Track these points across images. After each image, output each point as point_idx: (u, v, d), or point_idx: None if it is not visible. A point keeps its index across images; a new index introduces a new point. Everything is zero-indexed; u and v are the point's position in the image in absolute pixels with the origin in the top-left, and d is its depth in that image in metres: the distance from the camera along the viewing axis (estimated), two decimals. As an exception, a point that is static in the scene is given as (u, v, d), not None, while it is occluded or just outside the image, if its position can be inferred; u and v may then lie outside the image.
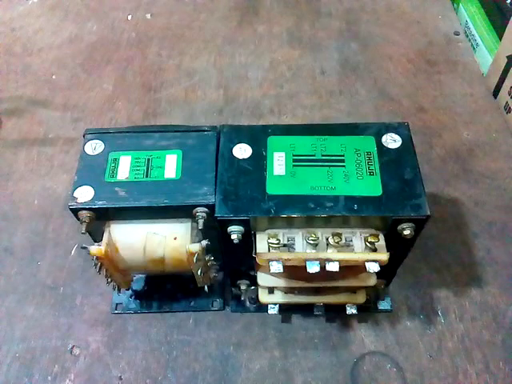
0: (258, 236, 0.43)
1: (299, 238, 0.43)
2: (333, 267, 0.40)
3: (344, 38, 0.85)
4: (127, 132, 0.48)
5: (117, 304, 0.55)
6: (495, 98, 0.76)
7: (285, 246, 0.43)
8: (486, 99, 0.76)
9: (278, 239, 0.42)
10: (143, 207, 0.43)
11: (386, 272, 0.43)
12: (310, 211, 0.42)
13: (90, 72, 0.80)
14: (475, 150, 0.69)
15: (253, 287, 0.53)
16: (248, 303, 0.56)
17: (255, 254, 0.42)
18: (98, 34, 0.87)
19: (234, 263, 0.50)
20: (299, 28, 0.87)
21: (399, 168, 0.44)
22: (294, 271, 0.42)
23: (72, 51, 0.84)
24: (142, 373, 0.51)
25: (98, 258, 0.43)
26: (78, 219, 0.43)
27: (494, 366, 0.51)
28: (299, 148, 0.46)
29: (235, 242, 0.42)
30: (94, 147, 0.46)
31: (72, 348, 0.53)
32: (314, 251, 0.42)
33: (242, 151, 0.46)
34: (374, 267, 0.41)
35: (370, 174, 0.44)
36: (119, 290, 0.50)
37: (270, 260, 0.41)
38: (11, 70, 0.81)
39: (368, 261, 0.41)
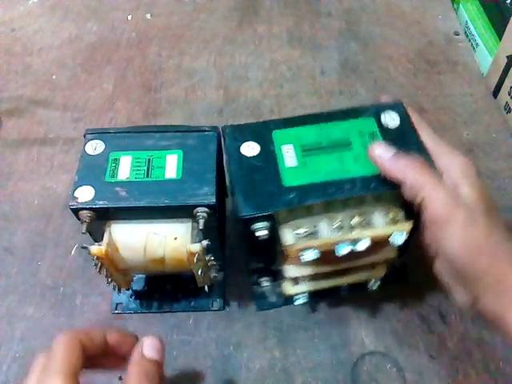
0: (281, 229, 0.44)
1: (323, 224, 0.44)
2: (363, 246, 0.42)
3: (344, 38, 0.85)
4: (128, 132, 0.48)
5: (117, 304, 0.55)
6: (495, 97, 0.76)
7: (311, 234, 0.43)
8: (486, 99, 0.76)
9: (304, 228, 0.43)
10: (144, 207, 0.43)
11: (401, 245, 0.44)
12: (330, 196, 0.43)
13: (90, 72, 0.80)
14: (475, 150, 0.69)
15: (274, 282, 0.53)
16: (273, 299, 0.56)
17: (283, 247, 0.43)
18: (98, 34, 0.87)
19: (257, 261, 0.50)
20: (299, 28, 0.87)
21: (403, 144, 0.45)
22: (321, 257, 0.43)
23: (72, 51, 0.84)
24: (142, 373, 0.51)
25: (98, 257, 0.43)
26: (79, 219, 0.43)
27: (494, 366, 0.51)
28: (305, 138, 0.47)
29: (263, 238, 0.42)
30: (95, 147, 0.46)
31: (72, 348, 0.53)
32: (339, 234, 0.43)
33: (250, 149, 0.46)
34: (399, 239, 0.42)
35: None
36: (119, 290, 0.50)
37: (301, 250, 0.42)
38: (11, 69, 0.81)
39: (392, 234, 0.42)
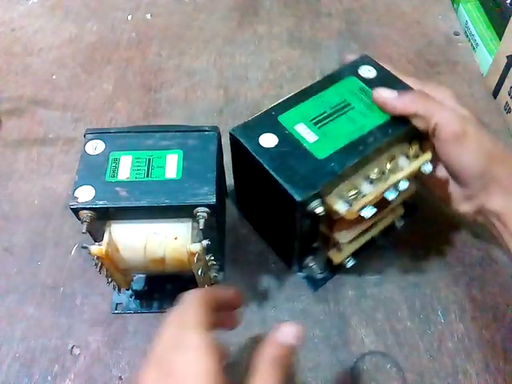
0: (330, 201, 0.45)
1: (362, 181, 0.46)
2: (404, 185, 0.46)
3: (344, 38, 0.85)
4: (128, 132, 0.48)
5: (117, 304, 0.55)
6: (495, 98, 0.76)
7: (356, 193, 0.45)
8: (485, 99, 0.76)
9: (352, 191, 0.45)
10: (144, 207, 0.43)
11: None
12: (362, 152, 0.46)
13: (90, 72, 0.80)
14: (475, 150, 0.69)
15: (317, 260, 0.55)
16: (321, 274, 0.57)
17: (340, 215, 0.45)
18: (98, 34, 0.87)
19: (308, 243, 0.51)
20: (299, 28, 0.87)
21: (391, 87, 0.49)
22: None
23: (72, 51, 0.84)
24: (142, 373, 0.51)
25: (98, 257, 0.43)
26: (79, 219, 0.43)
27: (493, 366, 0.51)
28: (309, 113, 0.49)
29: (322, 214, 0.44)
30: (95, 147, 0.46)
31: (72, 348, 0.53)
32: (381, 184, 0.46)
33: (269, 140, 0.47)
34: (427, 168, 0.47)
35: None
36: (119, 290, 0.50)
37: (361, 209, 0.44)
38: (11, 69, 0.81)
39: (422, 166, 0.47)
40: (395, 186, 0.46)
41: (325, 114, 0.49)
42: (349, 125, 0.48)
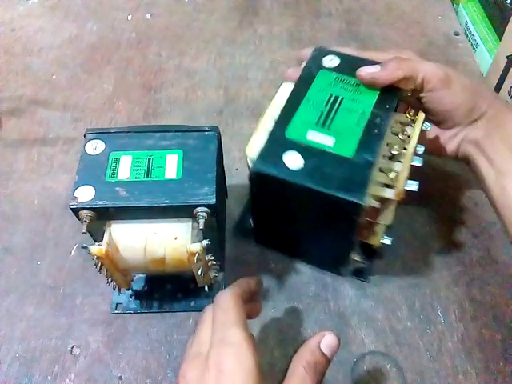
0: (374, 191, 0.45)
1: (387, 161, 0.47)
2: (422, 149, 0.49)
3: (344, 38, 0.85)
4: (128, 132, 0.48)
5: (117, 304, 0.55)
6: (495, 98, 0.76)
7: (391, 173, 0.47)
8: (485, 99, 0.76)
9: (389, 172, 0.46)
10: (144, 207, 0.43)
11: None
12: (381, 134, 0.47)
13: (90, 72, 0.80)
14: (475, 150, 0.69)
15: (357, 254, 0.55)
16: (368, 266, 0.57)
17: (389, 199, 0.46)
18: (98, 34, 0.87)
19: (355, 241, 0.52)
20: (299, 28, 0.87)
21: (360, 66, 0.50)
22: None
23: (72, 51, 0.84)
24: (142, 373, 0.51)
25: (98, 257, 0.43)
26: (79, 219, 0.43)
27: (493, 366, 0.51)
28: (309, 118, 0.48)
29: (377, 206, 0.45)
30: (95, 147, 0.46)
31: (72, 348, 0.53)
32: (405, 156, 0.47)
33: (294, 160, 0.45)
34: (427, 125, 0.51)
35: (357, 86, 0.50)
36: (119, 290, 0.50)
37: (406, 187, 0.46)
38: (11, 69, 0.81)
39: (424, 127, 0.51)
40: (416, 153, 0.48)
41: (324, 114, 0.48)
42: (351, 115, 0.48)
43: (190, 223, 0.45)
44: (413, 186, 0.46)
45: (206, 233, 0.44)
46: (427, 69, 0.49)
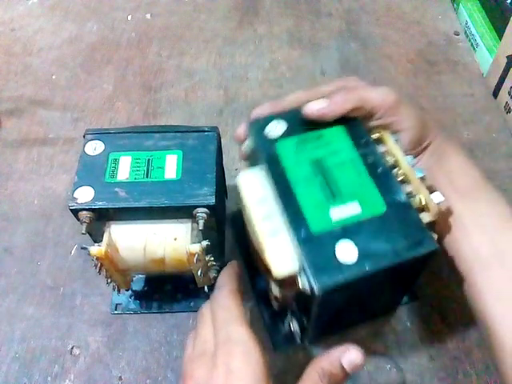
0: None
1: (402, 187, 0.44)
2: (412, 160, 0.46)
3: (344, 38, 0.85)
4: (127, 132, 0.48)
5: (116, 304, 0.55)
6: (495, 98, 0.76)
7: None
8: (486, 99, 0.76)
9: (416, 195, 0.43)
10: (143, 208, 0.43)
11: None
12: (385, 170, 0.43)
13: (90, 72, 0.80)
14: (475, 150, 0.69)
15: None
16: None
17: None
18: (98, 34, 0.86)
19: None
20: (299, 28, 0.87)
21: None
22: None
23: (72, 51, 0.84)
24: (142, 373, 0.51)
25: (98, 258, 0.43)
26: (78, 220, 0.43)
27: (494, 367, 0.51)
28: (312, 199, 0.41)
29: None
30: (95, 147, 0.46)
31: (72, 348, 0.53)
32: (408, 176, 0.44)
33: (347, 252, 0.39)
34: (396, 137, 0.47)
35: (321, 137, 0.46)
36: (119, 291, 0.50)
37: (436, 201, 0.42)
38: (11, 70, 0.81)
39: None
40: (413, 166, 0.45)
41: (325, 185, 0.42)
42: (347, 169, 0.43)
43: (190, 224, 0.45)
44: (438, 197, 0.42)
45: (205, 233, 0.44)
46: (375, 97, 0.46)
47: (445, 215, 0.45)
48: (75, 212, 0.43)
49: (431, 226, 0.43)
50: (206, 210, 0.43)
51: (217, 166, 0.46)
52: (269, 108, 0.48)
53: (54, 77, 0.80)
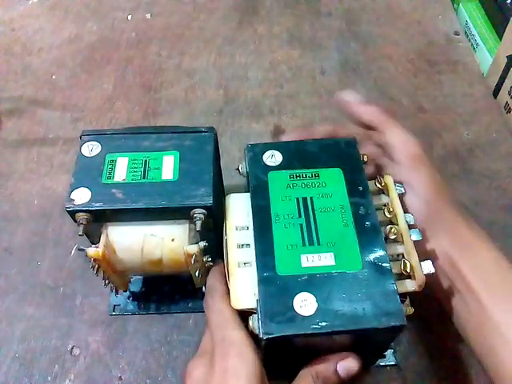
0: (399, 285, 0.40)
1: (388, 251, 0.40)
2: (410, 218, 0.42)
3: (344, 38, 0.85)
4: (124, 133, 0.47)
5: (114, 305, 0.55)
6: (495, 98, 0.76)
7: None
8: (486, 99, 0.76)
9: (402, 260, 0.40)
10: (140, 209, 0.43)
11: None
12: (375, 225, 0.40)
13: (90, 72, 0.80)
14: (475, 150, 0.69)
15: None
16: None
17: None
18: (98, 34, 0.87)
19: None
20: (299, 28, 0.87)
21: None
22: None
23: (72, 51, 0.84)
24: (142, 373, 0.51)
25: (95, 259, 0.43)
26: (75, 221, 0.43)
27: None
28: (290, 240, 0.40)
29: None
30: (91, 149, 0.46)
31: (72, 348, 0.53)
32: (402, 235, 0.41)
33: (306, 307, 0.37)
34: (401, 189, 0.44)
35: (317, 176, 0.44)
36: (117, 292, 0.50)
37: (424, 271, 0.39)
38: (11, 70, 0.81)
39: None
40: (409, 225, 0.42)
41: (304, 227, 0.40)
42: (333, 216, 0.41)
43: (187, 225, 0.45)
44: (429, 267, 0.39)
45: (203, 234, 0.44)
46: (404, 137, 0.45)
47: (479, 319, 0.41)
48: (72, 213, 0.43)
49: (415, 295, 0.39)
50: (203, 210, 0.43)
51: (214, 167, 0.46)
52: (296, 135, 0.48)
53: (53, 77, 0.80)
